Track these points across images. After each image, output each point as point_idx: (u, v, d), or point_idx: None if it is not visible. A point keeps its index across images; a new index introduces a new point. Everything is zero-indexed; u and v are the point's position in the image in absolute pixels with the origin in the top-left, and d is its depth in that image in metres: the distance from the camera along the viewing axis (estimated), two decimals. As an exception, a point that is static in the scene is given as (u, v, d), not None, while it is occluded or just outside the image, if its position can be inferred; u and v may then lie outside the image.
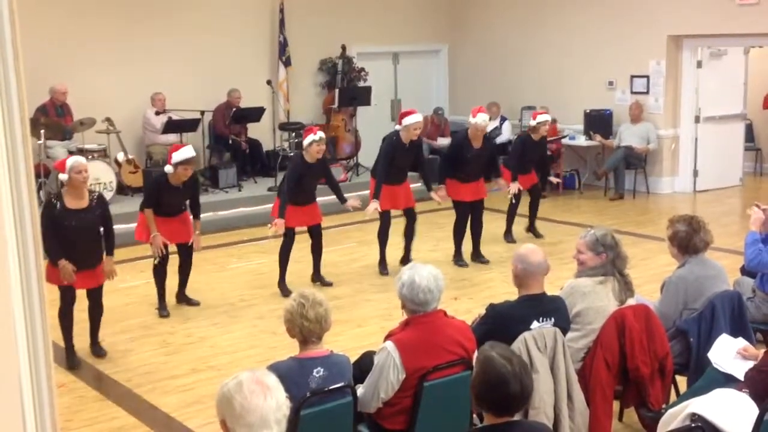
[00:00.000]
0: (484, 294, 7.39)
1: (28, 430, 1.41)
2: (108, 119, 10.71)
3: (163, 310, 7.23)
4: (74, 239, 5.91)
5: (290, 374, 3.47)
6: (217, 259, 9.05)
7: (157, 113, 11.19)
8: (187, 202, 7.21)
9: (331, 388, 3.70)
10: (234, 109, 11.51)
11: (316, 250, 7.96)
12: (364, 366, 4.10)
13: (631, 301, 4.58)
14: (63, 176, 5.94)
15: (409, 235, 8.50)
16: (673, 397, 4.64)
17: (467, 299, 7.31)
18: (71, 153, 10.28)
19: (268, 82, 12.20)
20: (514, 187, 9.16)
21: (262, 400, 2.43)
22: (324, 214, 8.11)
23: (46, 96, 10.39)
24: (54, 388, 1.47)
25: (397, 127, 8.23)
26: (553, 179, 10.49)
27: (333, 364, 3.77)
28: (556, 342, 4.12)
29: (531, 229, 9.83)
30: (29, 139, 1.37)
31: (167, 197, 6.98)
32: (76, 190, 5.97)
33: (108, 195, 9.98)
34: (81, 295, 6.21)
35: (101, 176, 10.08)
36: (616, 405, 4.63)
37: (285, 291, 7.59)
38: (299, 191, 7.57)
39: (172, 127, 10.84)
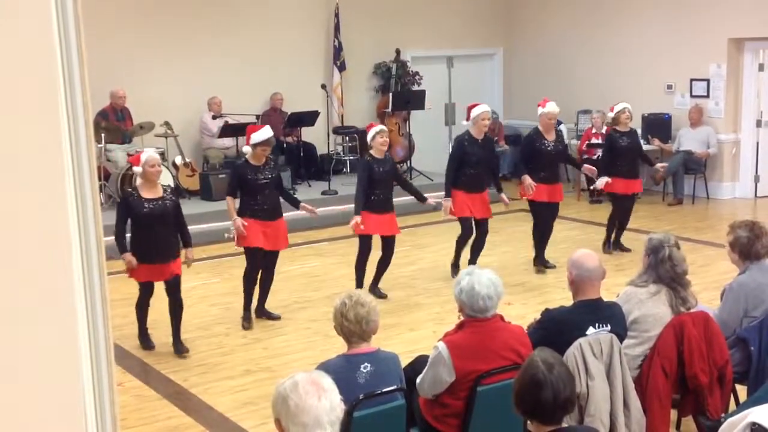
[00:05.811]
0: (538, 300, 7.33)
1: (89, 427, 1.44)
2: (166, 123, 10.90)
3: (246, 321, 7.02)
4: (150, 224, 6.17)
5: (338, 371, 3.51)
6: (271, 261, 9.13)
7: (214, 117, 11.35)
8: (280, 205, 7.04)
9: (383, 390, 3.71)
10: (289, 113, 11.60)
11: (384, 261, 7.57)
12: (418, 368, 4.10)
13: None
14: (138, 169, 6.30)
15: (476, 247, 8.05)
16: (732, 406, 4.54)
17: (521, 305, 7.24)
18: (130, 156, 10.49)
19: (323, 86, 12.27)
20: (602, 181, 8.66)
21: (316, 400, 2.45)
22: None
23: (107, 100, 10.62)
24: (114, 385, 1.49)
25: (464, 123, 8.00)
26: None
27: (380, 360, 3.79)
28: (613, 348, 4.07)
29: (617, 243, 8.99)
30: (93, 142, 1.40)
31: (252, 180, 6.76)
32: (149, 183, 6.30)
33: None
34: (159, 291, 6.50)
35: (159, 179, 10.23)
36: (673, 414, 4.55)
37: (378, 293, 7.44)
38: (374, 193, 7.25)
39: (228, 131, 10.98)
